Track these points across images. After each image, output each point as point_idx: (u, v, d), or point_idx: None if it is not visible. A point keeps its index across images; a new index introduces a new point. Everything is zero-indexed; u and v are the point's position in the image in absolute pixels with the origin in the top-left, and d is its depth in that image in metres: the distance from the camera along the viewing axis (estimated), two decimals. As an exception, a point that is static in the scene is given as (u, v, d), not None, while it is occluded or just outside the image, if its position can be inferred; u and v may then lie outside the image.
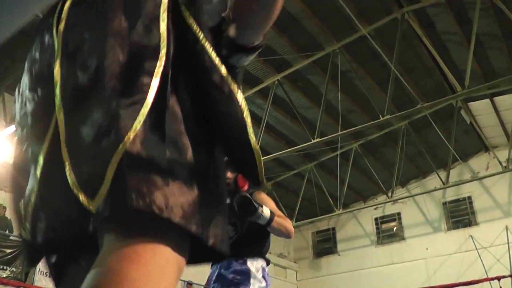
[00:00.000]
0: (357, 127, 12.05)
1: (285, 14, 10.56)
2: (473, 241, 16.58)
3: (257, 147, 1.03)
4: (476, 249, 16.33)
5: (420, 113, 13.70)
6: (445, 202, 17.70)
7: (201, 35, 1.01)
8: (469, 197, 17.29)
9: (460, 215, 17.45)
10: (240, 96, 1.02)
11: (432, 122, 13.96)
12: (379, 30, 11.74)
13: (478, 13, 10.49)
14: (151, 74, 0.93)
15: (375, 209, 18.55)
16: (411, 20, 11.25)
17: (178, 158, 0.91)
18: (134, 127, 0.87)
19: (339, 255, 19.30)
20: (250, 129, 1.02)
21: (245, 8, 1.10)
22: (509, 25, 10.56)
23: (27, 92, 1.10)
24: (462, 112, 14.45)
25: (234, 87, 1.01)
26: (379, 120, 11.52)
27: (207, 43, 1.01)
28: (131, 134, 0.86)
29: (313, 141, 11.91)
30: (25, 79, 1.13)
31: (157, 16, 1.00)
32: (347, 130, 12.00)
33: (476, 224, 16.98)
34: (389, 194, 16.14)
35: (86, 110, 0.92)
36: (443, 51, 12.26)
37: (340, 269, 18.84)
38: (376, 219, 18.89)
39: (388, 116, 11.33)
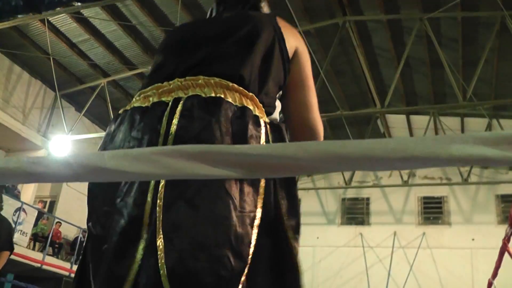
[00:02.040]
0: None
1: None
2: (362, 239, 17.55)
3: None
4: (363, 247, 17.32)
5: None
6: (344, 199, 18.55)
7: (286, 221, 1.18)
8: (368, 198, 18.20)
9: (355, 213, 18.36)
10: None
11: (347, 127, 14.48)
12: (319, 30, 11.93)
13: (413, 39, 10.89)
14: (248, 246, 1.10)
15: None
16: (351, 28, 11.52)
17: None
18: None
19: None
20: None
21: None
22: (436, 55, 11.04)
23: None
24: (378, 122, 15.05)
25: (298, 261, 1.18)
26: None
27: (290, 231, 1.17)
28: None
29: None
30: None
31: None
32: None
33: (369, 224, 17.94)
34: (295, 181, 16.71)
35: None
36: (374, 64, 12.68)
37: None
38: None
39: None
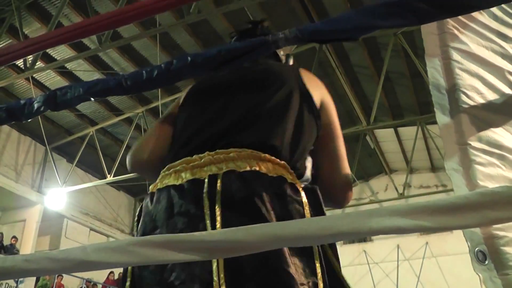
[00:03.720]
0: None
1: (210, 30, 10.80)
2: (366, 256, 17.53)
3: None
4: (368, 264, 17.30)
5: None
6: (344, 217, 18.54)
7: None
8: (367, 214, 18.22)
9: (356, 230, 18.35)
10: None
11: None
12: (297, 56, 12.13)
13: (390, 53, 11.11)
14: None
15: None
16: (328, 50, 11.75)
17: None
18: None
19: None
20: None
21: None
22: (415, 67, 11.26)
23: None
24: (367, 138, 15.21)
25: None
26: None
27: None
28: None
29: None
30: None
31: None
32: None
33: (371, 240, 17.95)
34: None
35: None
36: (355, 82, 12.90)
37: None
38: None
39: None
